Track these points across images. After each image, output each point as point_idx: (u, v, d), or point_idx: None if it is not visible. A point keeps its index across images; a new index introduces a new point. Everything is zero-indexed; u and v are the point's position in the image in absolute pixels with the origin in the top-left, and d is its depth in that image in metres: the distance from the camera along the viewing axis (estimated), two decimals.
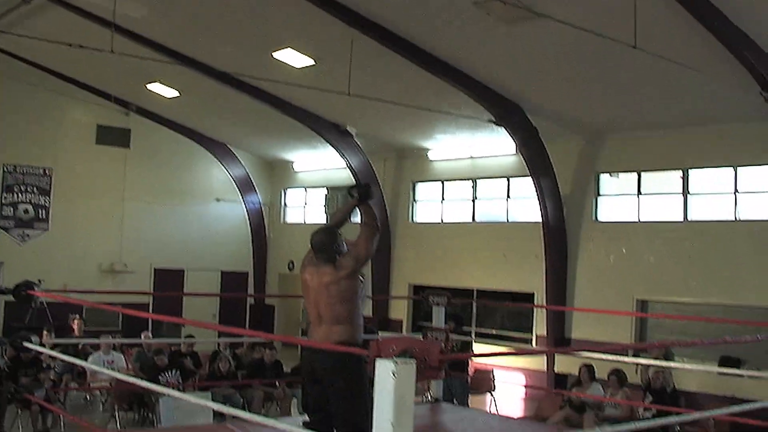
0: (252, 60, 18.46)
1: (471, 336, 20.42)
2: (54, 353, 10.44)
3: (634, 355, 16.30)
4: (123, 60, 16.27)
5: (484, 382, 16.76)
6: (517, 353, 15.30)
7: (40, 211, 23.85)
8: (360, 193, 7.20)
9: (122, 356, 15.85)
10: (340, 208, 6.97)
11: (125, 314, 24.08)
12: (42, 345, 9.22)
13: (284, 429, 4.97)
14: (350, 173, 23.10)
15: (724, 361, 16.03)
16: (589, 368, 13.97)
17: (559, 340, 18.99)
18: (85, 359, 15.62)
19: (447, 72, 16.70)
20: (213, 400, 13.85)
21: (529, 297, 20.06)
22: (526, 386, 17.85)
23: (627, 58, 13.85)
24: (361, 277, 6.95)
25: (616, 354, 12.18)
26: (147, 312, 24.11)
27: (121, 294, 23.52)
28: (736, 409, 6.99)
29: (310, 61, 17.68)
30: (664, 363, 12.84)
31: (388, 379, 3.70)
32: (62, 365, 15.59)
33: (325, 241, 6.80)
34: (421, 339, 3.65)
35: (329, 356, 6.29)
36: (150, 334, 17.76)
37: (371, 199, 7.11)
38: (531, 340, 20.08)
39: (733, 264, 16.60)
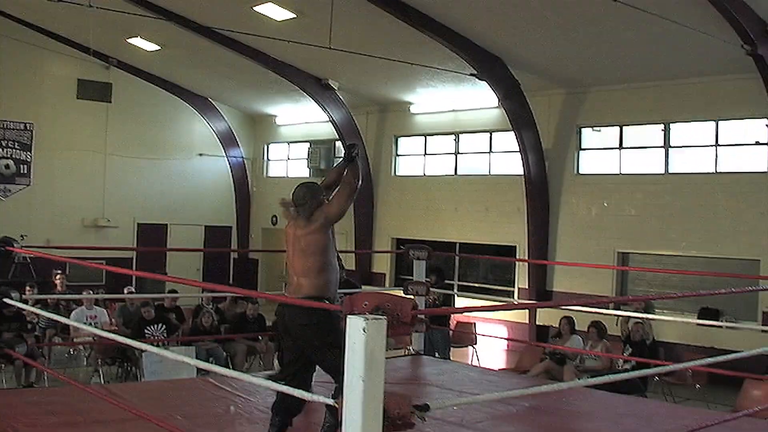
0: (232, 13, 18.31)
1: (453, 289, 20.54)
2: (36, 310, 10.44)
3: (615, 308, 16.50)
4: (103, 14, 16.13)
5: (466, 335, 16.87)
6: (496, 308, 15.38)
7: (21, 167, 23.75)
8: (345, 152, 7.22)
9: (105, 311, 15.86)
10: (332, 168, 7.04)
11: (108, 271, 24.19)
12: (25, 301, 9.23)
13: (258, 382, 5.03)
14: (333, 127, 23.06)
15: (703, 312, 16.22)
16: (569, 320, 14.09)
17: (540, 292, 19.14)
18: (69, 314, 15.70)
19: (428, 25, 16.64)
20: (197, 354, 13.98)
21: (511, 250, 20.15)
22: (507, 339, 17.95)
23: (609, 11, 13.83)
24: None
25: (597, 307, 12.32)
26: (130, 267, 24.29)
27: (105, 250, 23.56)
28: (710, 360, 7.08)
29: (291, 14, 17.58)
30: (643, 315, 12.94)
31: (359, 335, 3.74)
32: (46, 320, 15.65)
33: (303, 195, 6.82)
34: (395, 294, 3.69)
35: (298, 311, 6.41)
36: (133, 289, 17.80)
37: (353, 158, 7.11)
38: (513, 292, 20.24)
39: (712, 217, 16.71)
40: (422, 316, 11.58)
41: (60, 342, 15.14)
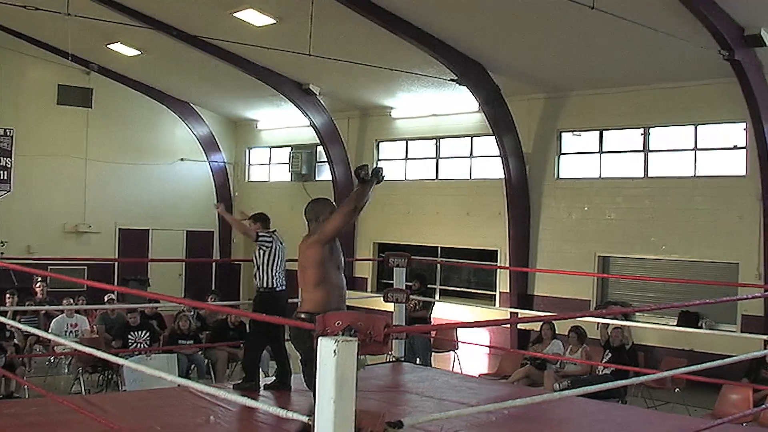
0: (212, 19, 18.31)
1: (436, 293, 20.62)
2: (15, 324, 10.43)
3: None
4: (83, 20, 16.08)
5: (447, 341, 16.90)
6: (472, 325, 15.47)
7: (1, 173, 23.62)
8: (357, 173, 7.36)
9: (86, 319, 15.83)
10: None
11: (90, 276, 24.09)
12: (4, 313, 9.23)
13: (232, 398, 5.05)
14: (314, 132, 23.07)
15: (683, 316, 16.33)
16: (550, 325, 14.16)
17: (522, 296, 19.21)
18: (50, 321, 15.68)
19: (408, 31, 16.69)
20: (178, 360, 13.98)
21: (492, 254, 20.23)
22: (488, 346, 17.98)
23: (588, 17, 13.86)
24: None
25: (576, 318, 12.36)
26: (112, 273, 24.35)
27: (86, 260, 23.52)
28: (686, 370, 7.16)
29: (271, 20, 17.60)
30: (623, 323, 13.00)
31: (330, 357, 3.78)
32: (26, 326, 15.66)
33: (309, 211, 7.37)
34: (368, 314, 3.72)
35: (292, 326, 6.66)
36: (114, 297, 17.73)
37: (362, 179, 7.24)
38: (494, 296, 20.30)
39: (692, 220, 16.82)
40: (402, 324, 11.67)
41: (41, 352, 15.10)
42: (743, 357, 7.64)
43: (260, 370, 10.63)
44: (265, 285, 9.84)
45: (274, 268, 9.85)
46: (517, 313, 18.04)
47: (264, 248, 9.83)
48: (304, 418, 4.31)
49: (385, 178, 7.33)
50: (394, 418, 7.98)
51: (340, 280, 7.08)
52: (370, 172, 7.26)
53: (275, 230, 10.18)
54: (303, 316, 6.89)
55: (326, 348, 3.80)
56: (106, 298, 17.26)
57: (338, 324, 4.05)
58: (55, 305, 16.81)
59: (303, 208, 7.46)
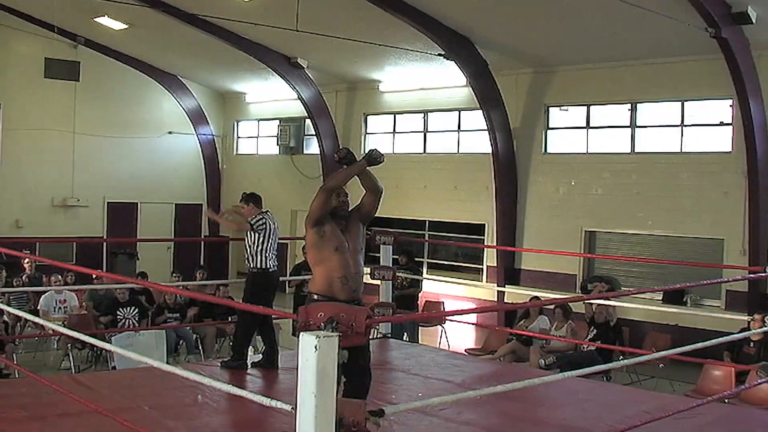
0: None
1: (423, 266, 20.69)
2: (4, 307, 10.47)
3: (581, 287, 16.71)
4: None
5: (434, 316, 17.01)
6: (457, 312, 15.65)
7: None
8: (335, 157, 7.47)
9: (75, 295, 15.88)
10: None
11: (78, 250, 24.21)
12: None
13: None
14: (302, 105, 23.05)
15: (669, 292, 16.47)
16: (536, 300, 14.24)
17: (509, 270, 19.33)
18: (39, 297, 15.74)
19: (396, 6, 16.68)
20: (166, 335, 14.06)
21: (480, 228, 20.32)
22: (475, 324, 18.07)
23: None
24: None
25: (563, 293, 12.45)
26: (101, 247, 24.42)
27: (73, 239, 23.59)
28: (672, 352, 7.26)
29: None
30: (607, 302, 13.09)
31: (311, 353, 3.85)
32: (15, 300, 15.76)
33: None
34: (350, 306, 3.78)
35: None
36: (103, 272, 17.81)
37: (343, 161, 7.32)
38: (482, 270, 20.42)
39: (678, 196, 16.93)
40: (390, 300, 11.78)
41: (31, 329, 15.18)
42: (725, 339, 7.75)
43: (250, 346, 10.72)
44: (258, 266, 9.85)
45: (268, 249, 9.87)
46: (503, 293, 18.30)
47: (258, 231, 9.84)
48: (288, 407, 4.38)
49: (381, 160, 7.22)
50: (380, 397, 8.15)
51: (341, 260, 7.04)
52: (346, 157, 7.31)
53: (267, 210, 10.15)
54: (314, 296, 7.03)
55: (307, 344, 3.88)
56: (93, 275, 17.30)
57: (320, 315, 4.11)
58: (42, 281, 16.90)
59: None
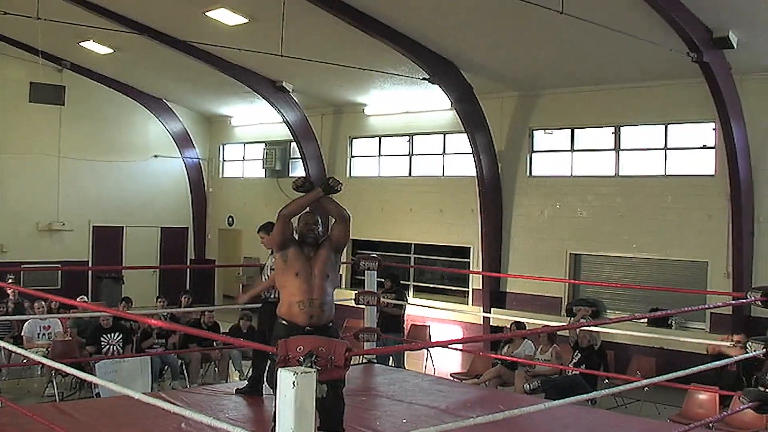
0: (185, 18, 18.33)
1: (409, 290, 20.70)
2: None
3: (566, 310, 16.70)
4: (55, 18, 16.00)
5: (420, 339, 17.02)
6: (437, 344, 15.59)
7: None
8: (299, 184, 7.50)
9: (59, 321, 15.81)
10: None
11: (64, 276, 24.13)
12: None
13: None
14: (288, 129, 23.09)
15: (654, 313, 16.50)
16: (519, 326, 14.23)
17: (495, 293, 19.35)
18: (22, 322, 15.66)
19: (381, 31, 16.74)
20: (151, 361, 14.02)
21: (465, 251, 20.36)
22: (461, 350, 18.05)
23: (559, 18, 13.89)
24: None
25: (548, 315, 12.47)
26: (86, 271, 24.32)
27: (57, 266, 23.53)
28: (656, 380, 7.27)
29: (243, 19, 17.58)
30: (590, 327, 13.10)
31: (289, 389, 3.85)
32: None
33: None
34: (329, 339, 3.79)
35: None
36: (86, 298, 17.73)
37: (300, 189, 7.41)
38: (468, 293, 20.43)
39: (662, 219, 16.99)
40: (375, 324, 11.79)
41: (13, 362, 15.06)
42: (710, 366, 7.77)
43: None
44: (274, 295, 9.51)
45: None
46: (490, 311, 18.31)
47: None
48: None
49: (337, 189, 7.35)
50: (365, 424, 8.12)
51: (300, 286, 7.12)
52: (303, 185, 7.41)
53: None
54: (280, 320, 7.21)
55: (286, 379, 3.88)
56: (78, 300, 17.24)
57: (300, 349, 4.12)
58: (26, 307, 16.82)
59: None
